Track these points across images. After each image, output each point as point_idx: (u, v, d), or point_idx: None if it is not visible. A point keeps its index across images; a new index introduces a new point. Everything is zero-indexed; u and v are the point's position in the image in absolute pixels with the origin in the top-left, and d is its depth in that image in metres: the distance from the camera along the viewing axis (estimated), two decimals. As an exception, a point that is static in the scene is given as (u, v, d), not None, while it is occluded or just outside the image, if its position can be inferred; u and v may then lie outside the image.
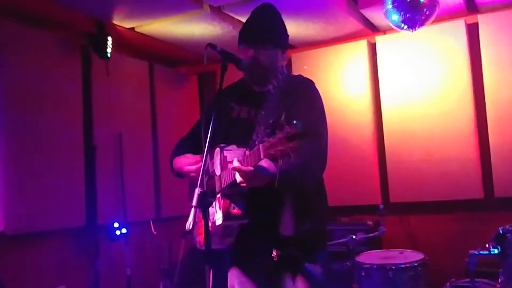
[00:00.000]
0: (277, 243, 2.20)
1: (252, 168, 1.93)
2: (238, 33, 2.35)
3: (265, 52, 2.26)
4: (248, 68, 2.27)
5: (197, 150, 2.32)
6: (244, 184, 1.99)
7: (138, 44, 4.53)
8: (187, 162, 2.34)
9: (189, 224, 1.97)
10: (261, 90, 2.33)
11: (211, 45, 2.15)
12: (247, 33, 2.31)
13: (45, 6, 3.68)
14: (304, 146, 1.75)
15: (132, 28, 4.20)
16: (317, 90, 2.34)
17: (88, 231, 4.03)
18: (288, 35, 2.38)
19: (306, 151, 1.84)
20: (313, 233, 2.25)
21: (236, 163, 1.97)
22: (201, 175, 2.01)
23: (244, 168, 1.94)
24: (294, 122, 1.76)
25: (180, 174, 2.40)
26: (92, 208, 4.04)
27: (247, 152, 1.99)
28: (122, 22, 4.06)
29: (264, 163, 1.96)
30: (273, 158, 1.81)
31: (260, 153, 1.83)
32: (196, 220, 2.27)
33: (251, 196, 2.10)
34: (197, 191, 1.97)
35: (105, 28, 4.00)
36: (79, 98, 4.05)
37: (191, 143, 2.45)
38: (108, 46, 4.02)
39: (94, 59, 4.11)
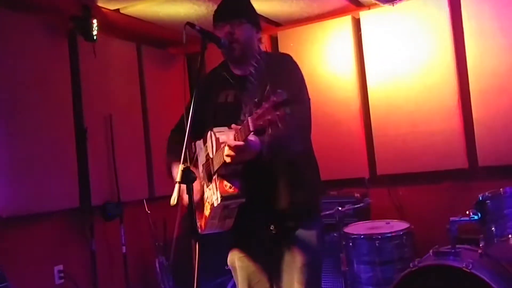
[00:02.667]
0: (274, 217, 2.28)
1: (242, 143, 1.98)
2: (212, 16, 2.41)
3: (240, 27, 2.32)
4: (228, 46, 2.33)
5: (193, 137, 2.38)
6: (230, 159, 2.04)
7: (124, 25, 4.55)
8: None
9: (173, 199, 2.04)
10: (242, 73, 2.39)
11: (190, 24, 2.20)
12: (221, 11, 2.39)
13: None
14: (290, 113, 1.80)
15: (117, 10, 4.22)
16: (295, 62, 2.41)
17: (82, 212, 4.12)
18: (259, 17, 2.46)
19: (292, 117, 1.88)
20: (307, 203, 2.34)
21: (231, 138, 2.02)
22: (184, 151, 2.08)
23: (234, 142, 1.99)
24: (279, 90, 1.82)
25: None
26: (85, 189, 4.11)
27: (237, 127, 2.03)
28: (107, 4, 4.08)
29: (251, 137, 2.03)
30: (262, 128, 1.86)
31: (249, 125, 1.88)
32: (194, 206, 2.35)
33: (246, 174, 2.17)
34: (180, 167, 2.04)
35: (90, 10, 4.02)
36: (68, 81, 4.09)
37: (182, 133, 2.49)
38: (94, 29, 4.05)
39: (81, 42, 4.14)
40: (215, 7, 4.02)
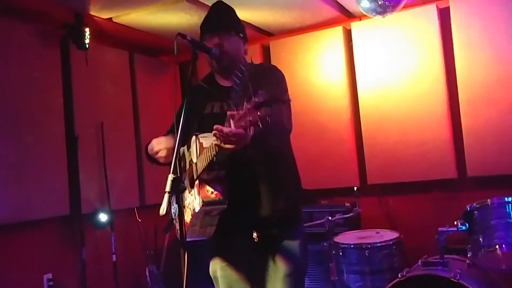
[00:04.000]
0: (256, 225, 2.29)
1: (241, 130, 1.89)
2: (200, 28, 2.44)
3: (229, 39, 2.35)
4: (219, 57, 2.35)
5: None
6: (230, 146, 1.98)
7: (117, 34, 4.57)
8: (157, 141, 2.41)
9: (163, 209, 2.04)
10: (228, 84, 2.41)
11: (181, 35, 2.22)
12: (209, 23, 2.42)
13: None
14: (270, 112, 1.80)
15: (110, 19, 4.24)
16: (280, 71, 2.43)
17: (72, 220, 4.10)
18: (245, 29, 2.49)
19: (272, 116, 1.86)
20: (289, 210, 2.34)
21: (232, 126, 1.93)
22: (174, 161, 2.09)
23: (236, 130, 1.90)
24: (260, 91, 1.82)
25: (153, 157, 2.46)
26: (76, 197, 4.10)
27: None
28: (99, 12, 4.10)
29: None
30: (244, 129, 1.86)
31: (231, 125, 1.88)
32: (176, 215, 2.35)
33: (228, 179, 2.17)
34: (170, 177, 2.05)
35: (82, 18, 4.04)
36: (59, 88, 4.09)
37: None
38: (86, 37, 4.06)
39: (73, 50, 4.15)
40: (207, 17, 4.13)
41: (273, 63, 4.88)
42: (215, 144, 2.01)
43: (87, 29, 4.06)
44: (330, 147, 4.58)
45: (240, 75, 2.32)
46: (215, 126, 1.94)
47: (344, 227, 4.05)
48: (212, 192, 2.16)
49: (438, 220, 3.95)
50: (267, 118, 1.79)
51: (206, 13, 2.52)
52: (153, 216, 4.71)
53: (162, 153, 2.41)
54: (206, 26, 2.42)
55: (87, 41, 4.09)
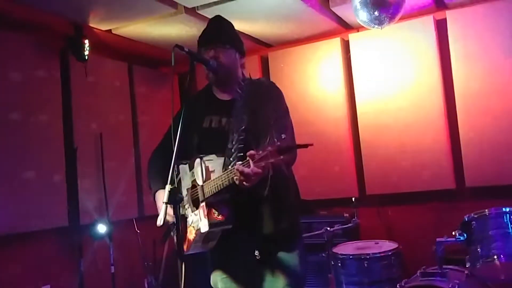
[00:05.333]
0: (258, 243, 2.32)
1: (260, 170, 1.97)
2: (197, 42, 2.46)
3: (224, 52, 2.37)
4: (216, 69, 2.37)
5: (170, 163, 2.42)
6: (248, 184, 2.03)
7: (116, 45, 4.60)
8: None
9: (160, 220, 2.07)
10: (227, 98, 2.44)
11: (178, 46, 2.25)
12: (206, 36, 2.45)
13: (22, 9, 3.73)
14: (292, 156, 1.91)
15: (109, 30, 4.27)
16: (278, 89, 2.46)
17: (71, 231, 4.09)
18: (243, 43, 2.50)
19: (293, 159, 2.03)
20: (290, 228, 2.38)
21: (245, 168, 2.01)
22: (171, 172, 2.11)
23: (255, 170, 1.97)
24: (283, 136, 1.88)
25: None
26: (74, 208, 4.10)
27: (238, 163, 2.05)
28: (99, 24, 4.13)
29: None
30: (263, 170, 1.93)
31: (250, 165, 1.94)
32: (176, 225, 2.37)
33: (234, 203, 2.22)
34: (167, 187, 2.07)
35: (82, 30, 4.07)
36: (58, 100, 4.11)
37: (165, 154, 2.49)
38: (85, 49, 4.09)
39: (72, 61, 4.18)
40: (206, 28, 4.16)
41: (271, 74, 4.91)
42: (232, 180, 2.06)
43: (86, 41, 4.09)
44: (328, 157, 4.59)
45: (240, 91, 2.34)
46: (236, 167, 2.01)
47: (343, 237, 4.05)
48: (218, 215, 2.22)
49: (437, 231, 3.93)
50: (289, 163, 1.87)
51: (205, 25, 2.54)
52: (152, 227, 4.63)
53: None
54: (203, 39, 2.45)
55: (86, 52, 4.12)
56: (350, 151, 4.60)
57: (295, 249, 2.38)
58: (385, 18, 3.44)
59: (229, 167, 2.14)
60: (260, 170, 1.97)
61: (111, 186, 4.39)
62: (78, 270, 4.11)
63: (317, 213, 4.49)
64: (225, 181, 2.12)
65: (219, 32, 2.43)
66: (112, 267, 4.27)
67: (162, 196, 2.36)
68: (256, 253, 2.32)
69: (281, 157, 1.87)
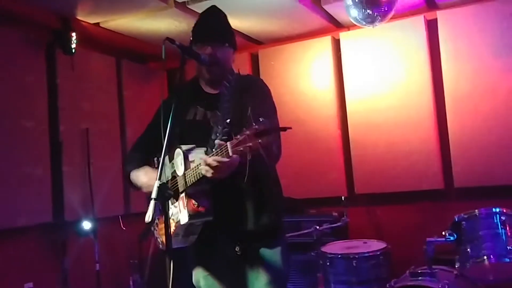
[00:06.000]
0: (240, 238, 2.28)
1: (227, 159, 1.95)
2: (191, 33, 2.39)
3: (222, 50, 2.32)
4: (209, 65, 2.32)
5: (153, 152, 2.39)
6: (212, 175, 2.02)
7: (104, 39, 4.52)
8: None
9: (148, 217, 2.00)
10: (214, 91, 2.39)
11: (169, 40, 2.19)
12: (204, 31, 2.36)
13: (8, 2, 3.65)
14: (272, 142, 1.82)
15: (97, 24, 4.20)
16: (267, 86, 2.42)
17: (55, 228, 4.02)
18: (235, 36, 2.46)
19: (272, 145, 1.92)
20: (272, 224, 2.33)
21: (209, 157, 2.00)
22: (160, 168, 2.07)
23: (219, 158, 1.96)
24: (261, 119, 1.82)
25: (137, 189, 2.44)
26: (59, 204, 4.02)
27: (214, 150, 2.01)
28: (87, 17, 4.06)
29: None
30: (242, 155, 1.87)
31: (228, 150, 1.89)
32: (158, 221, 2.33)
33: (214, 194, 2.16)
34: (156, 183, 2.02)
35: (69, 23, 3.99)
36: (44, 93, 4.03)
37: (147, 145, 2.47)
38: (72, 42, 4.01)
39: (59, 55, 4.10)
40: (196, 23, 4.11)
41: (261, 71, 4.88)
42: (200, 174, 2.02)
43: (73, 34, 4.02)
44: (318, 156, 4.56)
45: (228, 85, 2.30)
46: (201, 157, 1.98)
47: (332, 237, 4.02)
48: (198, 206, 2.16)
49: (425, 231, 3.93)
50: (268, 147, 1.81)
51: (195, 20, 2.48)
52: (138, 224, 4.62)
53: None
54: (200, 33, 2.37)
55: (73, 46, 4.04)
56: (340, 150, 4.58)
57: (277, 246, 2.34)
58: (377, 17, 3.42)
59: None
60: (225, 159, 1.93)
61: (97, 182, 4.32)
62: (62, 267, 4.04)
63: (306, 211, 4.46)
64: (202, 168, 2.04)
65: (218, 28, 2.37)
66: (97, 265, 4.20)
67: (137, 172, 2.40)
68: (237, 248, 2.28)
69: (259, 140, 1.80)
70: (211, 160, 1.99)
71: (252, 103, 2.17)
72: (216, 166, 1.99)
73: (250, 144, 1.81)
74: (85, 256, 4.23)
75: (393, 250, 3.83)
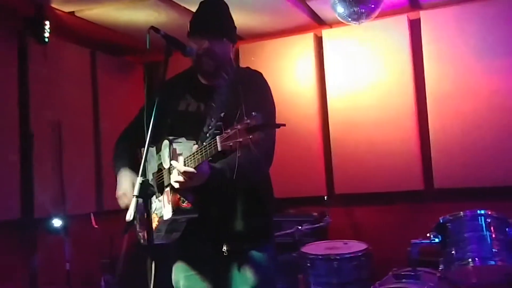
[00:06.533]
0: (227, 237, 2.20)
1: (192, 169, 1.91)
2: (189, 23, 2.28)
3: (219, 44, 2.22)
4: (200, 58, 2.22)
5: (141, 143, 2.23)
6: (178, 185, 1.96)
7: (79, 29, 4.34)
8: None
9: (129, 215, 1.90)
10: (210, 83, 2.29)
11: (154, 29, 2.09)
12: (202, 24, 2.25)
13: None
14: (263, 138, 1.72)
15: (72, 12, 4.02)
16: (266, 82, 2.34)
17: (24, 225, 3.83)
18: (236, 29, 2.36)
19: (264, 144, 1.83)
20: (263, 226, 2.27)
21: (181, 163, 1.93)
22: (143, 164, 1.96)
23: (184, 168, 1.91)
24: (254, 113, 1.72)
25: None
26: (28, 200, 3.84)
27: (204, 143, 1.91)
28: (61, 5, 3.88)
29: (205, 164, 1.95)
30: (231, 150, 1.77)
31: (217, 145, 1.78)
32: (139, 215, 2.21)
33: (201, 190, 2.05)
34: (138, 179, 1.91)
35: (43, 11, 3.80)
36: (14, 83, 3.84)
37: (134, 136, 2.36)
38: (45, 30, 3.83)
39: (31, 43, 3.90)
40: (176, 15, 3.98)
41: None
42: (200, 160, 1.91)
43: (47, 23, 3.83)
44: (298, 155, 4.48)
45: (226, 77, 2.20)
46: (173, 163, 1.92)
47: (311, 237, 3.95)
48: (183, 201, 2.06)
49: (405, 232, 3.92)
50: (260, 144, 1.71)
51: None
52: (111, 222, 4.48)
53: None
54: (198, 26, 2.25)
55: (46, 35, 3.86)
56: (320, 150, 4.52)
57: (266, 248, 2.27)
58: (363, 14, 3.36)
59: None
60: (191, 169, 1.88)
61: (68, 178, 4.15)
62: (31, 266, 3.84)
63: (285, 211, 4.38)
64: (191, 163, 1.95)
65: (217, 21, 2.25)
66: (68, 264, 4.03)
67: (125, 175, 2.28)
68: (224, 249, 2.19)
69: (250, 136, 1.70)
70: (181, 173, 1.92)
71: (248, 97, 2.08)
72: (182, 175, 1.92)
73: (241, 139, 1.71)
74: (55, 255, 4.05)
75: (373, 251, 3.79)
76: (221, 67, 2.24)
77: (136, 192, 1.89)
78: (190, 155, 1.94)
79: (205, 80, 2.31)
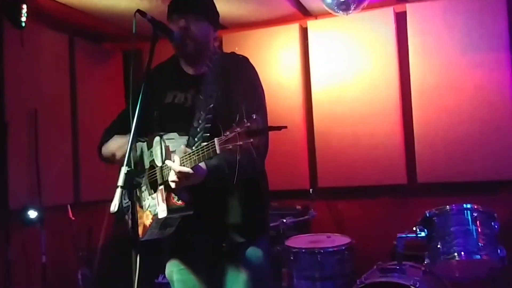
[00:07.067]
0: (223, 233, 2.16)
1: (189, 169, 1.86)
2: (167, 8, 2.20)
3: (196, 24, 2.14)
4: (181, 41, 2.13)
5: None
6: (175, 185, 1.92)
7: (57, 14, 4.19)
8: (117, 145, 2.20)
9: (114, 206, 1.82)
10: (195, 72, 2.22)
11: (140, 12, 2.01)
12: (177, 2, 2.18)
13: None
14: (263, 141, 1.70)
15: (51, -4, 3.87)
16: (253, 67, 2.28)
17: (-2, 216, 3.70)
18: (218, 15, 2.29)
19: (262, 145, 1.83)
20: (257, 219, 2.24)
21: (176, 162, 1.87)
22: (128, 153, 1.88)
23: (180, 168, 1.86)
24: (254, 116, 1.69)
25: (112, 160, 2.24)
26: (3, 190, 3.71)
27: (199, 147, 1.85)
28: (39, -12, 3.74)
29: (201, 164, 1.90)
30: (231, 153, 1.72)
31: (215, 147, 1.73)
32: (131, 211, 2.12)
33: (196, 188, 1.99)
34: (123, 169, 1.83)
35: (20, -7, 3.66)
36: (-12, 69, 3.69)
37: (120, 129, 2.28)
38: (22, 15, 3.69)
39: (7, 28, 3.75)
40: (158, 2, 3.87)
41: (224, 57, 4.68)
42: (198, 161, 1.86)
43: (24, 6, 3.69)
44: (281, 147, 4.39)
45: (211, 65, 2.12)
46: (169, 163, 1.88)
47: (294, 230, 3.90)
48: (178, 199, 2.02)
49: (388, 226, 3.91)
50: (259, 148, 1.70)
51: None
52: (88, 214, 4.39)
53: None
54: (174, 5, 2.18)
55: (23, 19, 3.72)
56: (304, 142, 4.47)
57: (260, 242, 2.24)
58: (352, 4, 3.30)
59: (193, 147, 1.92)
60: (187, 169, 1.83)
61: (44, 168, 4.01)
62: (5, 259, 3.71)
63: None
64: (187, 163, 1.88)
65: (196, 1, 2.18)
66: (44, 257, 3.91)
67: (108, 145, 2.23)
68: (224, 244, 2.16)
69: (251, 140, 1.67)
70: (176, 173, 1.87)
71: (236, 85, 2.01)
72: (178, 176, 1.88)
73: (241, 143, 1.67)
74: (30, 247, 3.93)
75: (356, 245, 3.77)
76: (202, 51, 2.17)
77: (120, 183, 1.81)
78: (186, 154, 1.88)
79: (189, 68, 2.24)
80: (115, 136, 2.25)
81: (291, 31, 4.53)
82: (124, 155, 1.86)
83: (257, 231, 2.23)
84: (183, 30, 2.12)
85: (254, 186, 2.19)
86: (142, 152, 2.20)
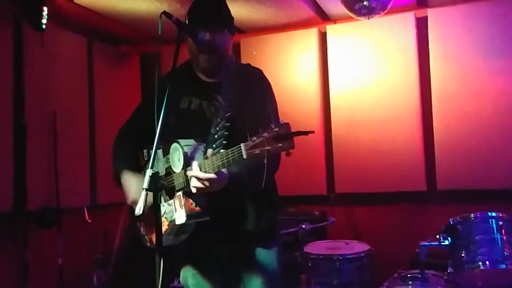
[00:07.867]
0: (237, 239, 2.17)
1: (213, 175, 1.84)
2: (187, 15, 2.18)
3: (220, 35, 2.14)
4: (201, 53, 2.14)
5: (140, 141, 2.23)
6: (197, 190, 1.90)
7: (76, 17, 4.20)
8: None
9: (139, 208, 1.83)
10: (210, 79, 2.21)
11: (166, 14, 2.01)
12: (201, 14, 2.15)
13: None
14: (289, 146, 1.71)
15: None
16: (267, 80, 2.28)
17: (15, 217, 3.69)
18: (233, 19, 2.28)
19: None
20: (272, 225, 2.24)
21: (195, 169, 1.86)
22: (153, 156, 1.88)
23: (204, 175, 1.85)
24: (282, 121, 1.71)
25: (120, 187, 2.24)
26: (21, 192, 3.71)
27: (227, 150, 1.84)
28: (59, -10, 3.75)
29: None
30: (258, 158, 1.70)
31: (242, 152, 1.72)
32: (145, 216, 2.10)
33: (213, 194, 1.97)
34: (148, 172, 1.82)
35: (41, -4, 3.67)
36: (8, 71, 3.70)
37: (133, 134, 2.29)
38: (43, 17, 3.69)
39: (27, 30, 3.77)
40: (178, 6, 3.87)
41: (242, 61, 4.65)
42: (222, 166, 1.85)
43: (45, 9, 3.69)
44: (298, 153, 4.32)
45: (227, 74, 2.11)
46: (189, 173, 1.88)
47: (311, 236, 3.85)
48: (196, 205, 2.00)
49: (406, 234, 3.88)
50: (288, 152, 1.70)
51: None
52: (104, 216, 4.38)
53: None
54: (196, 16, 2.15)
55: (44, 21, 3.72)
56: (321, 147, 4.43)
57: (273, 246, 2.23)
58: (375, 9, 3.27)
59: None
60: (212, 175, 1.83)
61: (62, 170, 4.02)
62: (21, 261, 3.71)
63: (285, 209, 4.28)
64: (210, 169, 1.87)
65: (217, 12, 2.16)
66: (60, 259, 3.91)
67: (129, 177, 2.18)
68: (235, 249, 2.17)
69: (280, 144, 1.67)
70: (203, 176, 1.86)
71: (249, 97, 2.07)
72: (202, 182, 1.86)
73: (269, 147, 1.67)
74: (47, 249, 3.94)
75: (374, 252, 3.72)
76: (222, 62, 2.17)
77: (145, 185, 1.82)
78: (208, 161, 1.86)
79: (203, 76, 2.23)
80: (133, 177, 2.19)
81: (309, 36, 4.50)
82: (135, 202, 1.86)
83: (269, 234, 2.23)
84: (207, 44, 2.10)
85: (265, 191, 2.16)
86: (157, 158, 2.18)
